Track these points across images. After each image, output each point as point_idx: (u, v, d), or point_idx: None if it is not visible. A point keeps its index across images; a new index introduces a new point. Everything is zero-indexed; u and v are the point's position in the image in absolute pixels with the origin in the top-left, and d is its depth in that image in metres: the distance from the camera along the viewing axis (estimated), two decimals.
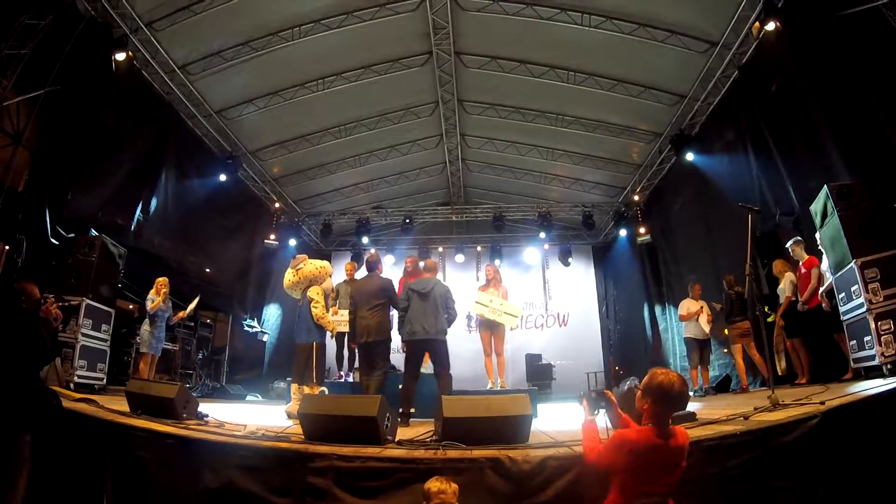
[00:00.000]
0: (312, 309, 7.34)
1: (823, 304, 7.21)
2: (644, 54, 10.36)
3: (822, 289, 7.29)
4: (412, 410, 6.67)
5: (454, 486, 3.19)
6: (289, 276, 7.68)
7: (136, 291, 10.53)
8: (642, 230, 14.57)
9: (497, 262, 15.81)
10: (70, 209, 9.02)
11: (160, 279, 9.39)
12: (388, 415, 4.23)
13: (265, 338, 15.37)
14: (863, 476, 3.61)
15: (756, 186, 9.61)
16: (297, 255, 7.88)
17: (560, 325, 17.25)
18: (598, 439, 3.22)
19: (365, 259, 8.53)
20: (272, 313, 16.01)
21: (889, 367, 5.47)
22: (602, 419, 3.39)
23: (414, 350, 7.00)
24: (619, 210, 15.58)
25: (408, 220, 15.93)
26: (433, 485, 3.17)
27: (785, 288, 8.15)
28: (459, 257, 17.26)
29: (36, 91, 8.47)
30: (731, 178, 10.47)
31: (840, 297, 6.42)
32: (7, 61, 7.90)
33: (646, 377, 3.09)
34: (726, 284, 9.47)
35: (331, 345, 12.14)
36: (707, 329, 9.83)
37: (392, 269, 16.88)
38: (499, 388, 8.44)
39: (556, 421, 6.70)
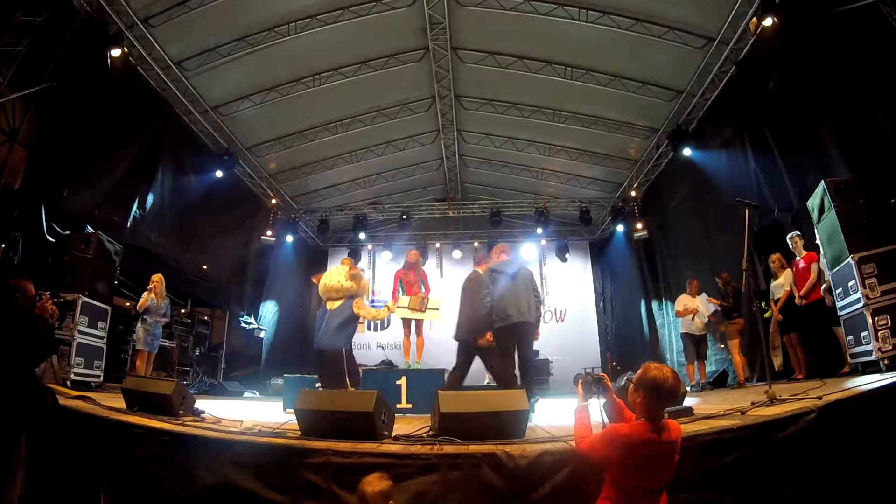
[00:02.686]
0: (365, 312, 7.00)
1: (826, 300, 7.22)
2: (641, 50, 10.34)
3: (824, 285, 7.30)
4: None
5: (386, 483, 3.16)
6: (341, 280, 7.02)
7: (133, 288, 10.51)
8: (639, 226, 14.57)
9: None
10: (66, 206, 9.02)
11: (154, 276, 9.39)
12: (384, 410, 4.23)
13: (262, 334, 15.36)
14: (860, 471, 3.62)
15: (754, 182, 9.63)
16: (351, 261, 7.36)
17: (557, 321, 17.27)
18: (589, 427, 3.23)
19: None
20: (269, 310, 16.01)
21: (886, 362, 5.49)
22: (597, 410, 3.39)
23: (500, 338, 6.49)
24: (616, 206, 15.58)
25: (405, 216, 15.90)
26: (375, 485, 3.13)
27: (784, 283, 8.16)
28: (457, 253, 17.24)
29: (32, 88, 8.43)
30: (728, 173, 10.49)
31: (837, 292, 6.45)
32: (2, 58, 7.86)
33: (639, 371, 3.10)
34: (720, 282, 9.50)
35: None
36: (704, 321, 9.85)
37: (389, 265, 16.92)
38: (484, 382, 8.49)
39: (552, 416, 6.70)
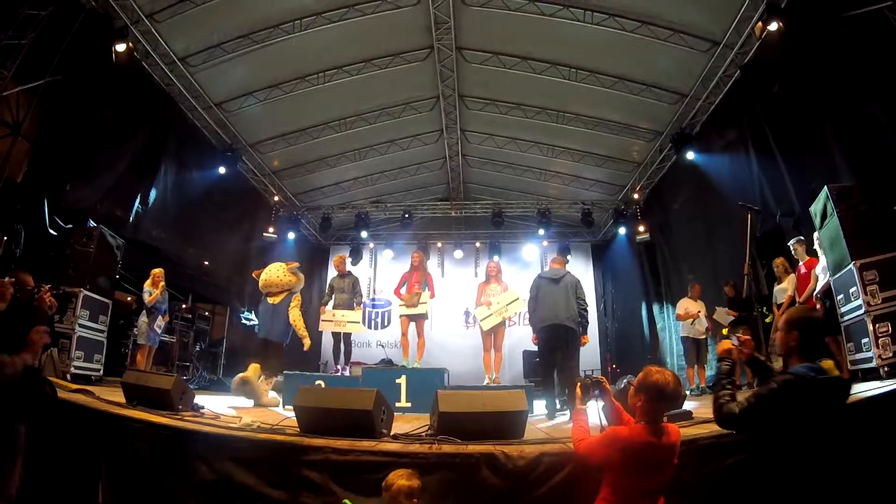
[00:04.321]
0: (294, 318, 8.18)
1: (818, 307, 7.20)
2: (646, 52, 10.32)
3: (816, 290, 7.28)
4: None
5: (415, 481, 3.18)
6: (280, 275, 8.20)
7: (134, 283, 10.53)
8: (641, 228, 14.54)
9: (496, 258, 15.78)
10: (69, 200, 9.03)
11: (156, 270, 9.40)
12: (383, 408, 4.23)
13: None
14: (858, 477, 3.62)
15: (757, 187, 9.61)
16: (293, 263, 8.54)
17: None
18: (587, 429, 3.24)
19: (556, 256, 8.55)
20: None
21: (886, 369, 5.47)
22: (595, 413, 3.39)
23: (543, 338, 6.85)
24: (618, 208, 15.54)
25: (407, 215, 15.91)
26: (402, 482, 3.15)
27: (787, 287, 8.14)
28: (458, 253, 17.22)
29: (36, 82, 8.45)
30: (731, 177, 10.47)
31: (838, 298, 6.41)
32: (7, 51, 7.88)
33: (640, 374, 3.11)
34: (730, 291, 9.49)
35: (328, 339, 12.16)
36: (704, 326, 9.83)
37: (391, 264, 16.93)
38: (493, 384, 8.53)
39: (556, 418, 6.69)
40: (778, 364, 8.46)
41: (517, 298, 8.82)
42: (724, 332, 9.52)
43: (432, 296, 9.48)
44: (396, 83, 12.34)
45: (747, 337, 3.41)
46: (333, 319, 9.31)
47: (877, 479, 3.60)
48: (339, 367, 9.78)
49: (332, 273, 10.79)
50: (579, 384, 3.46)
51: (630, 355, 15.65)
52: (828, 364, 2.89)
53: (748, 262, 5.59)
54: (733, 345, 3.32)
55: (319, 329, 9.79)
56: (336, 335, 9.69)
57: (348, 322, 9.31)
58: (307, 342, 8.50)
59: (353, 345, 9.92)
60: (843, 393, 3.00)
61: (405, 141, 14.59)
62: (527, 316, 15.78)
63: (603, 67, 11.21)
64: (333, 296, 9.57)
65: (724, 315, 9.63)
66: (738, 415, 2.91)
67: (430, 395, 4.57)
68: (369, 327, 16.00)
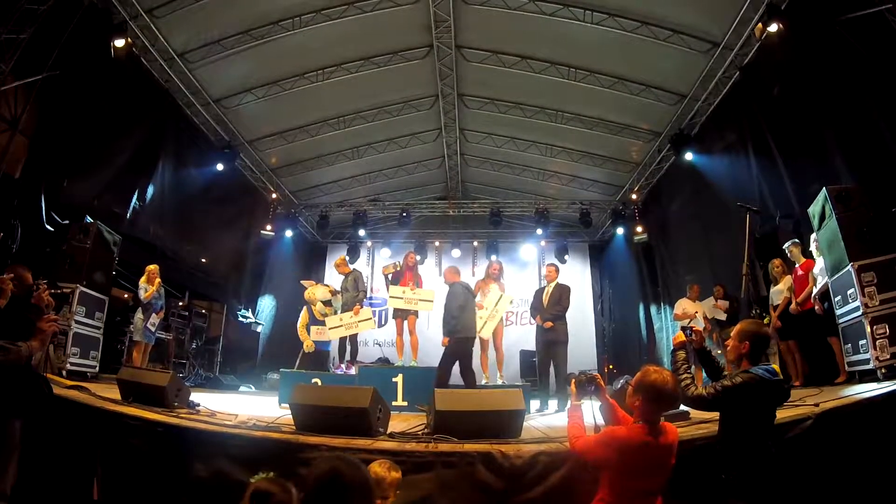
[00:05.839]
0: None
1: (816, 308, 7.21)
2: (645, 53, 10.30)
3: (815, 292, 7.28)
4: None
5: (394, 474, 3.14)
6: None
7: (131, 279, 10.49)
8: (639, 229, 14.53)
9: (493, 257, 15.75)
10: (66, 196, 9.02)
11: (151, 267, 9.33)
12: (380, 407, 4.22)
13: (259, 329, 15.33)
14: (855, 477, 3.62)
15: (756, 188, 9.59)
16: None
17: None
18: (582, 426, 3.24)
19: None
20: (266, 304, 15.95)
21: (883, 371, 5.48)
22: (590, 411, 3.38)
23: (468, 347, 7.37)
24: (616, 208, 15.53)
25: (405, 214, 15.85)
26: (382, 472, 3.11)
27: (783, 289, 8.14)
28: (456, 252, 17.16)
29: (34, 76, 8.42)
30: (730, 179, 10.44)
31: (836, 300, 6.43)
32: (5, 46, 7.83)
33: (638, 374, 3.10)
34: (720, 293, 9.48)
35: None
36: (701, 327, 9.81)
37: (389, 263, 16.87)
38: (498, 382, 8.59)
39: (548, 417, 6.69)
40: (774, 366, 8.46)
41: (502, 296, 8.82)
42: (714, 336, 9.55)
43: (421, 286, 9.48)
44: (395, 81, 12.31)
45: (699, 329, 3.94)
46: (342, 324, 9.19)
47: (875, 479, 3.61)
48: (343, 365, 9.71)
49: (334, 275, 10.76)
50: (574, 381, 3.45)
51: (627, 356, 15.62)
52: (777, 368, 3.41)
53: (746, 263, 5.59)
54: (686, 336, 3.73)
55: (332, 338, 9.56)
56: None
57: (359, 322, 9.22)
58: (305, 346, 9.55)
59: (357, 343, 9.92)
60: (787, 392, 3.52)
61: (404, 139, 14.56)
62: (523, 315, 16.02)
63: (602, 67, 11.20)
64: (342, 297, 9.54)
65: (712, 307, 9.64)
66: (708, 399, 3.28)
67: (426, 394, 4.57)
68: None
